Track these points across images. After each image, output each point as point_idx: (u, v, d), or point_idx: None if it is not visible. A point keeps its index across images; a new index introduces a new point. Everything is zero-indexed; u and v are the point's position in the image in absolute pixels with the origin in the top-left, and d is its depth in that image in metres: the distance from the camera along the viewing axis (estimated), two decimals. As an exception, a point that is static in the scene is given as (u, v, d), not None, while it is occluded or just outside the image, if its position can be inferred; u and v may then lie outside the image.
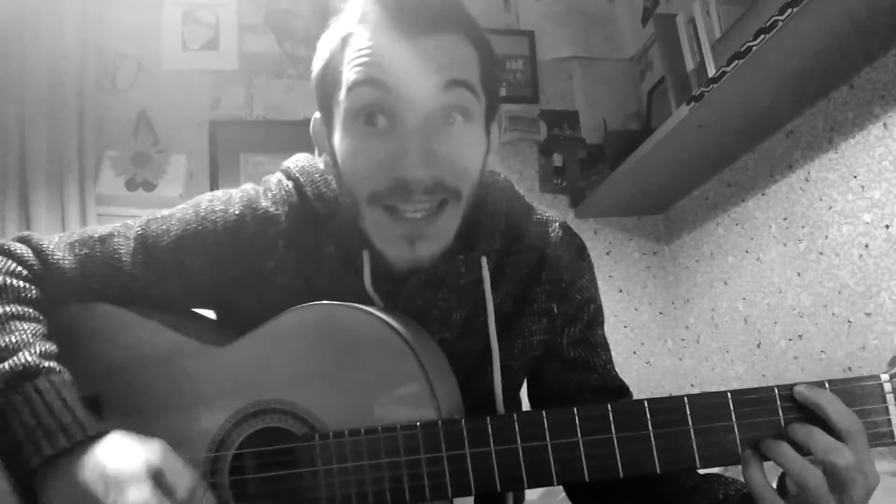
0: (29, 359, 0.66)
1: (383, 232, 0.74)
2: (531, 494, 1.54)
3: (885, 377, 0.64)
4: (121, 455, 0.63)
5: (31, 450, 0.62)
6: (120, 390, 0.74)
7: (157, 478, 0.62)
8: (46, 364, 0.67)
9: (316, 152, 0.82)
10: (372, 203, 0.73)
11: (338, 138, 0.74)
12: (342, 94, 0.72)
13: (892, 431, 0.64)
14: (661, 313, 2.33)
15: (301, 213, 0.81)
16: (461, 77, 0.71)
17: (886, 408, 0.64)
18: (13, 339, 0.68)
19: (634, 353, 2.27)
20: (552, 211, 0.90)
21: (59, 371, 0.68)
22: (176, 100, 2.22)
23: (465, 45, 0.73)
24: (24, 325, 0.70)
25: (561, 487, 0.93)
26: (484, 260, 0.80)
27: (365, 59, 0.70)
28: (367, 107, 0.71)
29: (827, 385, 0.64)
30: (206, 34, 2.27)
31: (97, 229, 0.82)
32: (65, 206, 1.99)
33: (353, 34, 0.72)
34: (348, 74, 0.71)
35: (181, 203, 0.85)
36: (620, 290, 2.32)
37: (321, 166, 0.83)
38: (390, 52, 0.69)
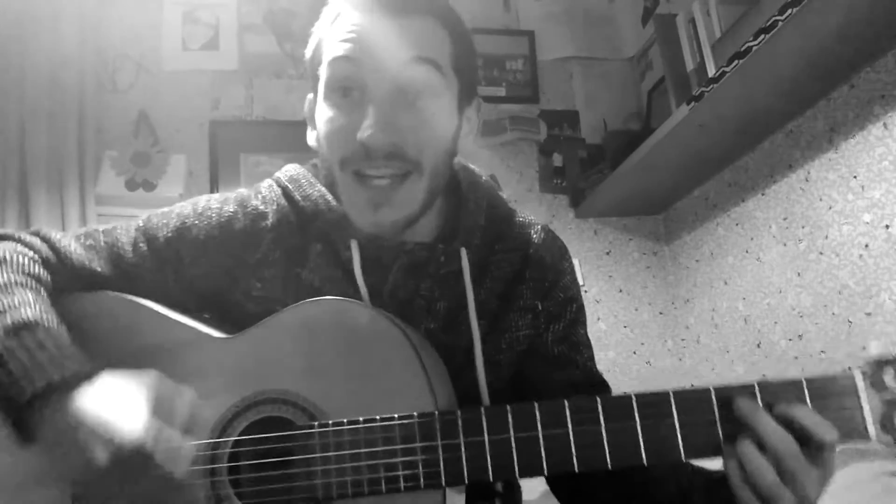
0: (29, 313, 0.70)
1: (351, 196, 0.79)
2: (531, 495, 1.54)
3: (857, 373, 0.67)
4: (116, 389, 0.65)
5: (24, 383, 0.65)
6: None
7: (154, 406, 0.63)
8: (45, 318, 0.71)
9: (308, 131, 0.88)
10: (343, 168, 0.79)
11: (318, 110, 0.81)
12: (323, 68, 0.80)
13: (866, 428, 0.66)
14: (661, 313, 2.32)
15: (288, 213, 0.86)
16: (427, 55, 0.77)
17: (860, 405, 0.66)
18: (15, 301, 0.72)
19: (634, 353, 2.27)
20: (534, 216, 0.93)
21: (57, 327, 0.71)
22: (176, 100, 2.22)
23: (437, 28, 0.79)
24: (28, 292, 0.74)
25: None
26: (463, 251, 0.84)
27: (344, 35, 0.77)
28: (342, 80, 0.78)
29: (804, 382, 0.66)
30: (206, 34, 2.27)
31: (101, 226, 0.89)
32: (65, 206, 1.99)
33: (340, 14, 0.80)
34: (329, 50, 0.79)
35: (180, 203, 0.91)
36: (620, 290, 2.32)
37: (309, 173, 0.88)
38: (366, 30, 0.77)
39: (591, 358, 0.92)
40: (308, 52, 0.84)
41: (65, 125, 2.02)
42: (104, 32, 2.19)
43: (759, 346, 1.90)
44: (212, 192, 2.16)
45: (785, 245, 1.78)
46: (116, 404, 0.63)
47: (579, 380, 0.88)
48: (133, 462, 0.59)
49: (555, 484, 0.91)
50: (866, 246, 1.52)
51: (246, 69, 2.27)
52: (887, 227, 1.46)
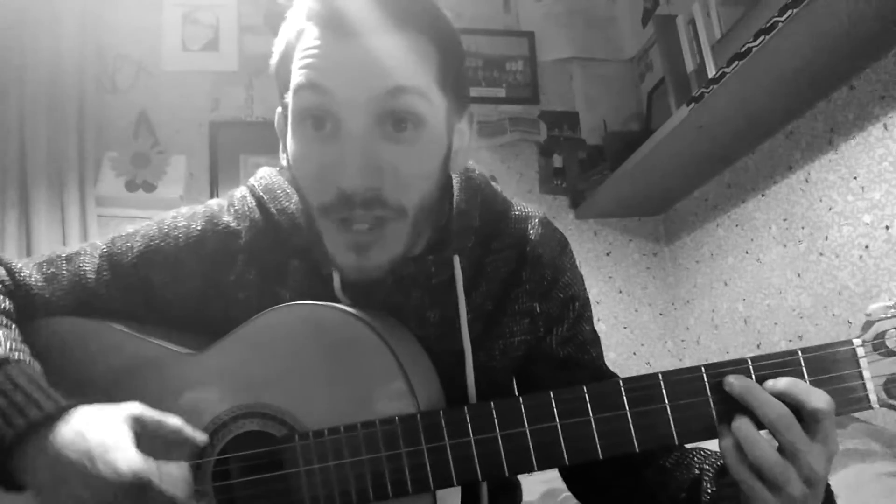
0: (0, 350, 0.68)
1: (333, 240, 0.72)
2: (531, 495, 1.54)
3: (857, 342, 0.64)
4: (98, 422, 0.63)
5: (3, 426, 0.62)
6: (98, 402, 0.73)
7: (141, 434, 0.62)
8: (16, 356, 0.68)
9: (280, 149, 0.79)
10: (322, 215, 0.71)
11: (289, 138, 0.73)
12: (290, 94, 0.70)
13: (867, 396, 0.64)
14: (661, 314, 2.32)
15: (263, 228, 0.80)
16: (408, 83, 0.67)
17: (860, 373, 0.64)
18: None
19: (634, 354, 2.27)
20: (531, 206, 0.88)
21: (30, 363, 0.69)
22: (176, 101, 2.22)
23: (419, 43, 0.69)
24: None
25: (563, 487, 0.92)
26: (456, 259, 0.79)
27: (309, 60, 0.67)
28: (310, 110, 0.68)
29: (800, 353, 0.64)
30: (206, 35, 2.28)
31: (65, 249, 0.84)
32: (65, 207, 1.99)
33: (304, 31, 0.69)
34: (295, 75, 0.69)
35: (181, 204, 0.86)
36: (620, 291, 2.32)
37: (286, 182, 0.82)
38: (334, 53, 0.67)
39: (600, 355, 0.89)
40: (272, 68, 0.75)
41: (65, 125, 2.02)
42: (104, 32, 2.19)
43: (759, 346, 1.90)
44: (212, 193, 2.16)
45: (785, 246, 1.78)
46: (103, 438, 0.61)
47: (589, 380, 0.84)
48: (132, 497, 0.58)
49: (569, 479, 0.90)
50: (866, 247, 1.52)
51: (246, 70, 2.27)
52: (887, 227, 1.46)
